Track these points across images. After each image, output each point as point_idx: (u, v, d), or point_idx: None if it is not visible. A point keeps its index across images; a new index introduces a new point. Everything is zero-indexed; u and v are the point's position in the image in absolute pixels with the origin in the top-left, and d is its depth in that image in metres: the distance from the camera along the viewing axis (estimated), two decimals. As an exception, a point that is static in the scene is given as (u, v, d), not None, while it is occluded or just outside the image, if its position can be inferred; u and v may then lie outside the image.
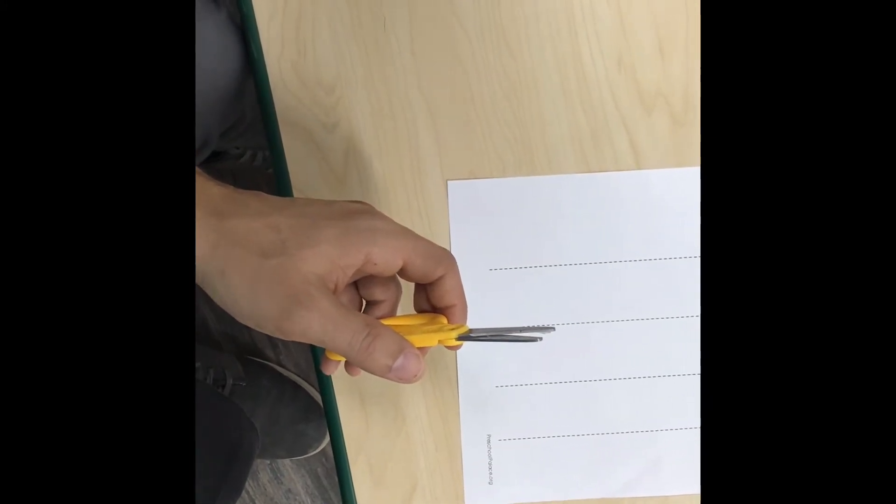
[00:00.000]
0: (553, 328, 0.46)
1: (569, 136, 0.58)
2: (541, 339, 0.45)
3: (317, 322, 0.40)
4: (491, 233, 0.59)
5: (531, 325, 0.47)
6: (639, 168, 0.58)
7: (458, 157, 0.58)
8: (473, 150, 0.58)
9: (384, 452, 0.61)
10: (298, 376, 1.23)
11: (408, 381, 0.43)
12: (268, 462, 1.27)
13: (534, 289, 0.59)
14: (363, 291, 0.48)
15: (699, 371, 0.59)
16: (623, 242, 0.59)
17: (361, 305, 0.49)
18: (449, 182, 0.58)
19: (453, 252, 0.58)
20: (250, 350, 1.25)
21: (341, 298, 0.46)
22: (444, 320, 0.48)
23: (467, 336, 0.47)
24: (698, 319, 0.59)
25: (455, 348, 0.50)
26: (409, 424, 0.60)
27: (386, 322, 0.47)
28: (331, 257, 0.41)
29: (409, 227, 0.58)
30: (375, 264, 0.43)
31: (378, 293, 0.48)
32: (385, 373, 0.42)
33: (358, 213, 0.44)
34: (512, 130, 0.58)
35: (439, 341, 0.46)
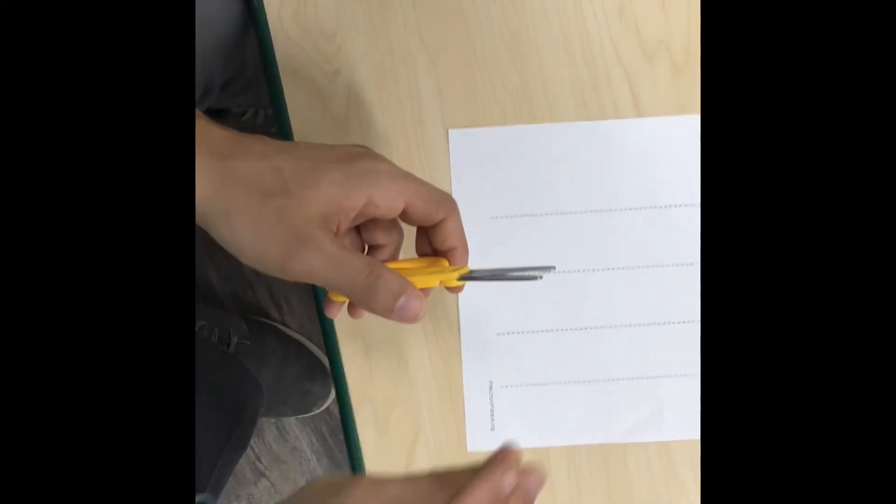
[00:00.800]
0: (553, 267, 0.47)
1: (569, 84, 0.58)
2: (541, 277, 0.45)
3: (319, 262, 0.40)
4: (492, 181, 0.59)
5: (532, 266, 0.47)
6: (639, 116, 0.59)
7: (459, 106, 0.58)
8: (474, 99, 0.58)
9: (387, 401, 0.61)
10: (303, 336, 1.24)
11: (410, 320, 0.43)
12: (273, 420, 1.29)
13: (534, 236, 0.59)
14: (365, 235, 0.48)
15: (698, 318, 0.60)
16: (623, 190, 0.59)
17: (364, 249, 0.49)
18: (450, 130, 0.59)
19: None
20: (255, 310, 1.26)
21: (343, 241, 0.46)
22: (446, 263, 0.48)
23: (469, 276, 0.47)
24: (697, 267, 0.60)
25: (457, 290, 0.50)
26: (412, 373, 0.61)
27: (389, 265, 0.47)
28: (333, 198, 0.41)
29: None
30: (377, 206, 0.43)
31: (380, 237, 0.48)
32: (388, 313, 0.43)
33: (361, 156, 0.44)
34: (513, 79, 0.58)
35: (441, 282, 0.47)
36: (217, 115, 1.07)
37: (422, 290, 0.45)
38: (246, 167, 0.40)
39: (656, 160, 0.59)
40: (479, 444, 0.61)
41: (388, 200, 0.43)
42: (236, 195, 0.40)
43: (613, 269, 0.60)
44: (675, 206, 0.59)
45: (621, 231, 0.60)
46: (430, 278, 0.46)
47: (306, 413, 1.24)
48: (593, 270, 0.60)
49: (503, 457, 0.41)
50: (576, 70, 0.58)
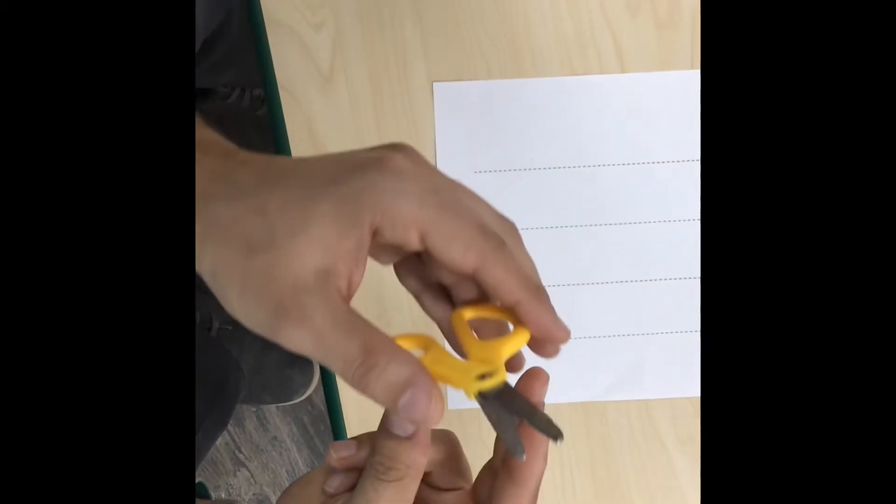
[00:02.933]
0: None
1: (554, 39, 0.59)
2: (559, 440, 0.34)
3: (307, 340, 0.32)
4: (476, 135, 0.59)
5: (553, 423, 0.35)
6: (623, 72, 0.59)
7: (444, 60, 0.59)
8: (460, 53, 0.59)
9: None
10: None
11: (419, 422, 0.33)
12: (253, 409, 1.28)
13: (518, 191, 0.60)
14: (429, 272, 0.37)
15: (680, 275, 0.60)
16: (607, 146, 0.59)
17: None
18: (435, 84, 0.59)
19: (438, 154, 0.59)
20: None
21: (349, 300, 0.34)
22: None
23: (486, 394, 0.33)
24: (681, 223, 0.60)
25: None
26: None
27: (466, 312, 0.36)
28: (326, 243, 0.32)
29: (394, 129, 0.59)
30: (388, 240, 0.33)
31: (445, 275, 0.36)
32: (390, 408, 0.33)
33: (366, 167, 0.33)
34: (498, 33, 0.58)
35: (459, 385, 0.34)
36: (202, 95, 1.07)
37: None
38: (228, 213, 0.33)
39: (640, 116, 0.59)
40: (459, 403, 0.61)
41: (394, 231, 0.32)
42: (220, 253, 0.33)
43: (595, 225, 0.60)
44: (659, 163, 0.60)
45: (604, 187, 0.60)
46: (451, 374, 0.33)
47: (287, 401, 1.23)
48: (575, 226, 0.60)
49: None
50: (560, 24, 0.58)
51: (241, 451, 1.29)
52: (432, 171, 0.34)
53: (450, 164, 0.59)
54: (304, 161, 0.34)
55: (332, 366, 0.32)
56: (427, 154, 0.59)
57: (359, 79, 0.59)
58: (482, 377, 0.33)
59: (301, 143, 0.59)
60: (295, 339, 0.31)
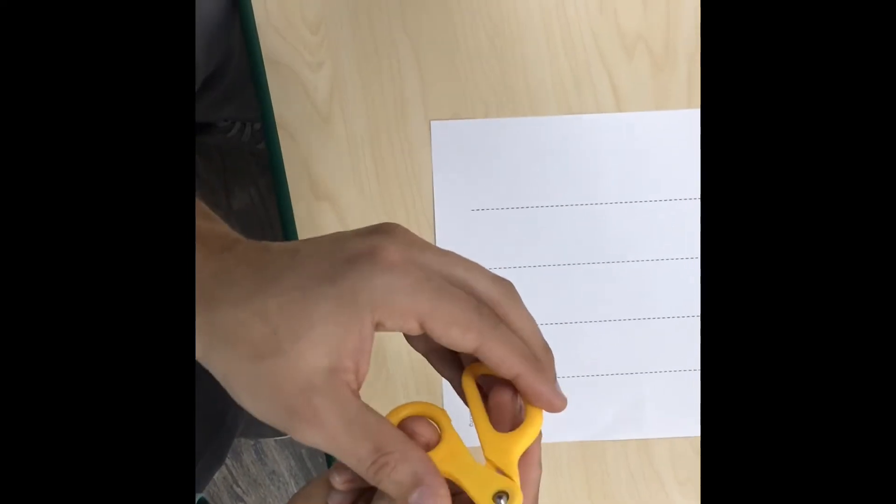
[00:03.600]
0: None
1: (551, 78, 0.59)
2: None
3: (321, 440, 0.34)
4: (474, 173, 0.59)
5: None
6: (619, 111, 0.59)
7: (441, 99, 0.59)
8: (457, 92, 0.59)
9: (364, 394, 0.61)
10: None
11: None
12: (252, 443, 1.27)
13: (515, 230, 0.60)
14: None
15: (680, 314, 0.60)
16: (604, 184, 0.60)
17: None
18: (432, 122, 0.59)
19: (436, 192, 0.59)
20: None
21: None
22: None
23: None
24: (680, 262, 0.60)
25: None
26: (391, 368, 0.61)
27: (475, 369, 0.38)
28: (330, 342, 0.33)
29: (392, 168, 0.59)
30: (391, 329, 0.35)
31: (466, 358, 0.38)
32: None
33: (359, 262, 0.34)
34: (495, 72, 0.59)
35: (475, 498, 0.35)
36: (203, 129, 1.08)
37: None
38: (232, 319, 0.34)
39: (637, 154, 0.59)
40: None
41: (396, 324, 0.34)
42: (229, 359, 0.34)
43: (594, 263, 0.60)
44: (657, 201, 0.60)
45: (602, 225, 0.60)
46: (468, 483, 0.35)
47: (286, 435, 1.23)
48: (574, 265, 0.60)
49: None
50: (557, 64, 0.59)
51: (238, 485, 1.28)
52: (422, 252, 0.35)
53: (447, 202, 0.59)
54: (297, 255, 0.36)
55: (347, 462, 0.34)
56: (425, 192, 0.59)
57: (357, 118, 0.59)
58: (498, 496, 0.34)
59: (299, 183, 0.59)
60: (309, 439, 0.33)
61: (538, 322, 0.60)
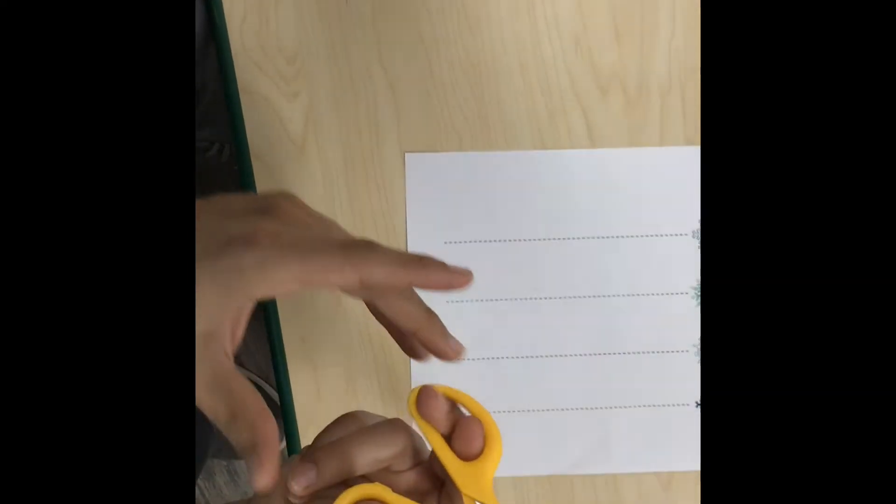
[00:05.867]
0: None
1: (525, 113, 0.59)
2: None
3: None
4: (447, 206, 0.60)
5: None
6: (593, 147, 0.60)
7: (416, 131, 0.59)
8: (432, 124, 0.59)
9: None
10: (259, 377, 1.22)
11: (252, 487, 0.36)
12: (224, 463, 1.26)
13: (488, 263, 0.60)
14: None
15: (649, 349, 0.60)
16: (577, 219, 0.60)
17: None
18: (406, 154, 0.59)
19: (409, 224, 0.59)
20: (211, 349, 1.24)
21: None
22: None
23: None
24: (649, 297, 0.60)
25: None
26: (361, 398, 0.60)
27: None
28: (209, 311, 0.36)
29: (366, 199, 0.59)
30: (272, 295, 0.38)
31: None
32: None
33: (233, 245, 0.37)
34: (470, 106, 0.59)
35: None
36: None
37: None
38: None
39: (610, 190, 0.60)
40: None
41: (278, 291, 0.37)
42: None
43: (566, 297, 0.60)
44: (629, 237, 0.60)
45: (574, 260, 0.60)
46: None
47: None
48: (545, 299, 0.60)
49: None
50: (532, 99, 0.59)
51: (210, 506, 1.27)
52: (302, 228, 0.39)
53: (421, 234, 0.59)
54: (197, 222, 0.38)
55: (208, 416, 0.36)
56: (398, 224, 0.59)
57: (331, 149, 0.59)
58: None
59: (272, 211, 0.59)
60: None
61: (509, 355, 0.60)
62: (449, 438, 0.38)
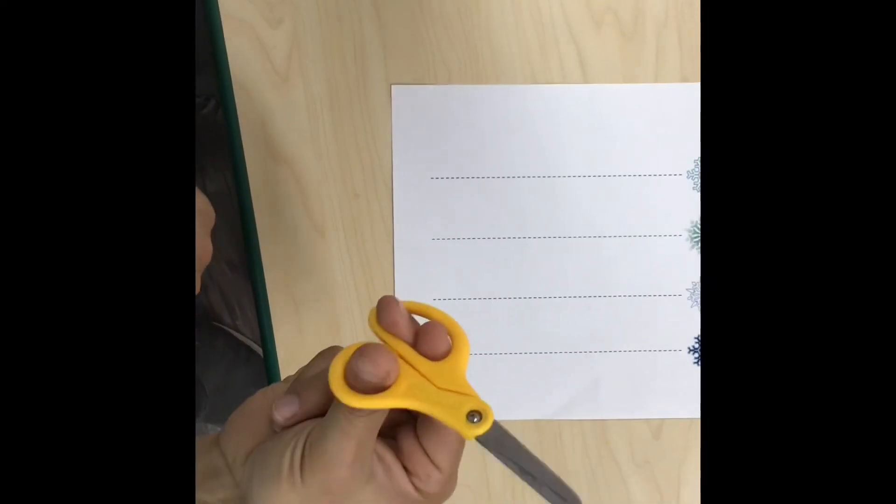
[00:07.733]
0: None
1: (516, 46, 0.57)
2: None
3: None
4: (434, 140, 0.58)
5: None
6: (586, 82, 0.58)
7: (403, 62, 0.57)
8: (419, 56, 0.57)
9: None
10: (254, 342, 1.21)
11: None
12: (218, 429, 1.25)
13: (475, 199, 0.58)
14: None
15: (640, 292, 0.58)
16: (567, 157, 0.58)
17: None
18: (393, 86, 0.57)
19: (394, 158, 0.57)
20: (206, 313, 1.23)
21: None
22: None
23: (485, 436, 0.35)
24: (641, 239, 0.59)
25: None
26: (344, 342, 0.59)
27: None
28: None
29: (352, 131, 0.58)
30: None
31: None
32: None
33: None
34: (459, 38, 0.57)
35: (453, 425, 0.35)
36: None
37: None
38: None
39: (602, 128, 0.58)
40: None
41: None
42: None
43: (554, 237, 0.59)
44: (619, 176, 0.58)
45: (564, 199, 0.58)
46: (440, 410, 0.35)
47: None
48: (533, 238, 0.59)
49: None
50: (524, 32, 0.57)
51: (204, 473, 1.26)
52: None
53: (406, 169, 0.58)
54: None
55: None
56: (384, 158, 0.57)
57: (316, 78, 0.57)
58: (472, 416, 0.34)
59: (254, 143, 0.58)
60: None
61: (497, 296, 0.58)
62: (415, 347, 0.37)
